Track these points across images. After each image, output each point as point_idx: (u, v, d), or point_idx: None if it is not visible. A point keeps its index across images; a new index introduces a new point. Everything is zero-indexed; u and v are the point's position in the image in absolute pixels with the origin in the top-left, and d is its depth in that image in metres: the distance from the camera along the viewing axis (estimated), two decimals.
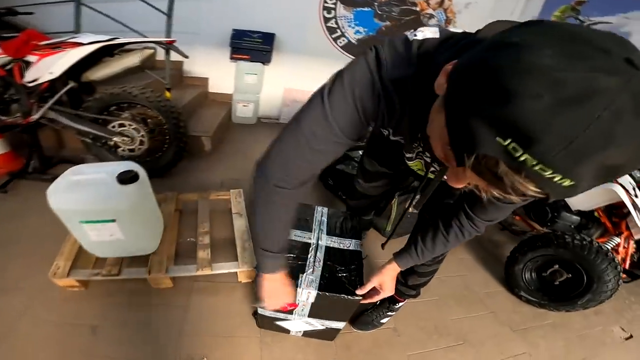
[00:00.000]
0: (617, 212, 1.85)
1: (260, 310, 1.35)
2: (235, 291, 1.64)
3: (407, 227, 2.03)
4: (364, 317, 1.57)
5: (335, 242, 1.38)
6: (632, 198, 1.71)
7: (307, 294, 1.18)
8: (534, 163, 0.34)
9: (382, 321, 1.58)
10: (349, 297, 1.17)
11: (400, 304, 1.55)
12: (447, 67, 0.48)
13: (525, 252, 1.83)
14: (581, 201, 1.90)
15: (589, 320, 1.87)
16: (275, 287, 1.02)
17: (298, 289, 1.16)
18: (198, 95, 3.08)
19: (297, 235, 1.37)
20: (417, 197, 0.95)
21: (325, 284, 1.19)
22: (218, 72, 3.20)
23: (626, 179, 1.77)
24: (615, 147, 0.32)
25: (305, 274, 1.21)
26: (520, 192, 0.38)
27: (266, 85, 3.27)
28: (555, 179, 0.34)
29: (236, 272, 1.60)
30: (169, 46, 2.19)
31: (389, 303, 1.54)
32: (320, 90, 0.68)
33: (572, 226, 1.99)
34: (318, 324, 1.37)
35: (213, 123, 2.88)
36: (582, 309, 1.74)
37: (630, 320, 1.92)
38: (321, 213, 1.51)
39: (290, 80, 3.36)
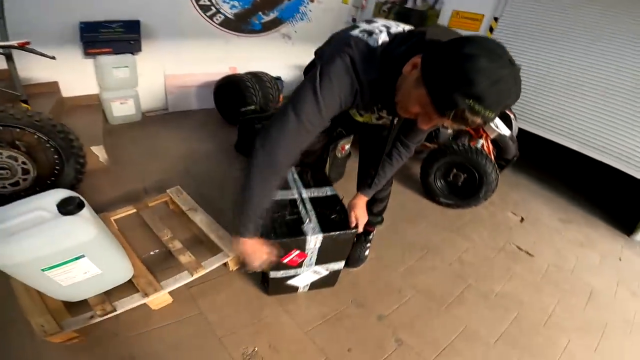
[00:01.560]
0: None
1: (272, 274, 1.41)
2: (234, 280, 1.61)
3: (339, 172, 2.30)
4: (352, 256, 1.76)
5: (315, 192, 1.52)
6: None
7: (315, 240, 1.31)
8: (482, 109, 0.67)
9: (366, 253, 1.82)
10: (348, 231, 1.36)
11: (372, 233, 1.81)
12: (415, 59, 0.79)
13: (431, 165, 2.38)
14: None
15: (489, 211, 2.49)
16: (254, 246, 1.10)
17: (307, 237, 1.29)
18: (56, 103, 2.52)
19: (282, 195, 1.46)
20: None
21: (325, 228, 1.33)
22: (71, 73, 2.66)
23: None
24: (509, 98, 0.70)
25: (305, 224, 1.33)
26: (473, 123, 0.70)
27: (143, 77, 2.90)
28: (489, 114, 0.68)
29: (226, 262, 1.57)
30: (24, 48, 1.82)
31: (364, 236, 1.79)
32: (313, 88, 0.88)
33: (450, 137, 2.63)
34: (323, 270, 1.50)
35: (96, 130, 2.44)
36: (484, 200, 2.33)
37: (514, 204, 2.62)
38: (292, 173, 1.61)
39: (171, 67, 3.06)
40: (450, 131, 2.60)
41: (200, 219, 1.70)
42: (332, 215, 1.40)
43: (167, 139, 2.76)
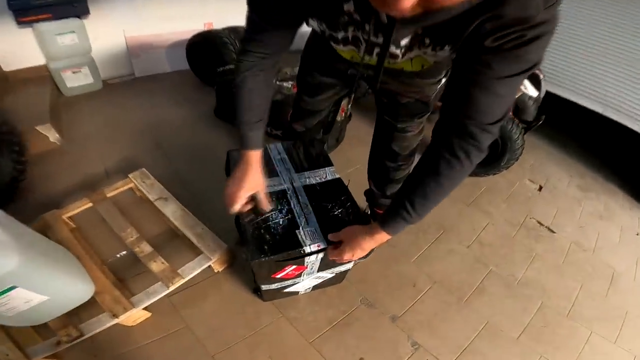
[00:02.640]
0: None
1: (264, 287, 1.16)
2: (222, 283, 1.37)
3: (335, 137, 1.99)
4: None
5: (310, 178, 1.17)
6: None
7: (317, 248, 0.98)
8: None
9: None
10: None
11: None
12: None
13: None
14: None
15: (506, 179, 2.22)
16: (248, 169, 0.93)
17: (304, 248, 0.96)
18: None
19: (269, 187, 1.10)
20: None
21: (327, 229, 1.00)
22: (8, 45, 2.20)
23: None
24: None
25: (300, 229, 1.01)
26: None
27: (97, 42, 2.43)
28: None
29: (210, 265, 1.29)
30: None
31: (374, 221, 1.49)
32: None
33: None
34: (328, 274, 1.25)
35: (42, 106, 2.02)
36: (504, 169, 2.07)
37: (531, 170, 2.37)
38: (277, 151, 1.25)
39: (132, 28, 2.56)
40: None
41: (172, 211, 1.38)
42: (336, 209, 1.07)
43: (134, 108, 2.32)
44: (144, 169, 1.53)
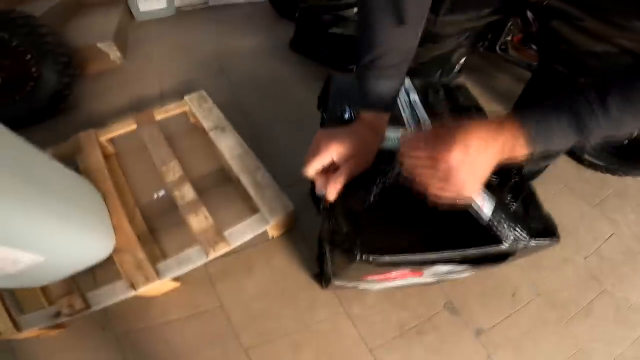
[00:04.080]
0: None
1: (337, 282, 0.82)
2: (274, 255, 1.08)
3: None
4: None
5: None
6: None
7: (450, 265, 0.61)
8: None
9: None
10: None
11: None
12: None
13: None
14: None
15: (638, 183, 1.67)
16: (365, 131, 0.60)
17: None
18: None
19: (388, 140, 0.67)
20: None
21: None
22: None
23: None
24: None
25: None
26: None
27: None
28: None
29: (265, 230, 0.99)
30: None
31: None
32: None
33: None
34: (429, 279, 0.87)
35: (108, 26, 1.88)
36: None
37: None
38: (404, 90, 0.81)
39: None
40: None
41: (230, 147, 1.07)
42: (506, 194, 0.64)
43: (203, 35, 2.12)
44: (202, 92, 1.25)
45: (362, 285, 0.88)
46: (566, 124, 0.39)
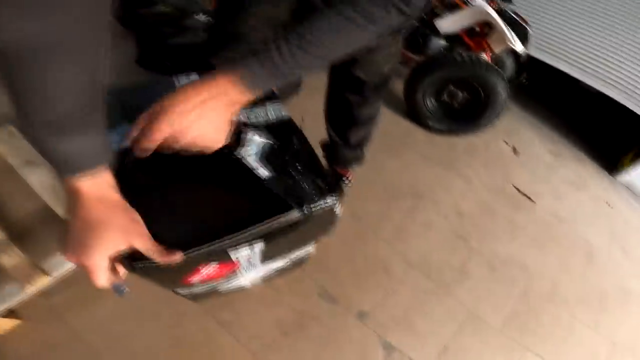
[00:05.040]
0: (476, 32, 1.92)
1: (180, 291, 0.75)
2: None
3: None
4: None
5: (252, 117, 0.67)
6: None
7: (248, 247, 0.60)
8: None
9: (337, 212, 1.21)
10: (324, 202, 0.62)
11: (348, 179, 1.26)
12: None
13: (420, 80, 1.79)
14: (449, 25, 1.89)
15: (482, 140, 1.98)
16: (100, 219, 0.41)
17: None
18: None
19: None
20: None
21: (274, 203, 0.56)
22: None
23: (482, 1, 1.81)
24: None
25: None
26: None
27: None
28: None
29: None
30: None
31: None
32: None
33: (442, 49, 2.01)
34: (281, 263, 0.87)
35: None
36: (485, 126, 1.82)
37: (505, 132, 2.14)
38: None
39: None
40: (442, 42, 1.98)
41: (40, 181, 0.94)
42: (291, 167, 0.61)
43: None
44: (11, 127, 1.06)
45: (221, 287, 0.84)
46: (264, 69, 0.47)
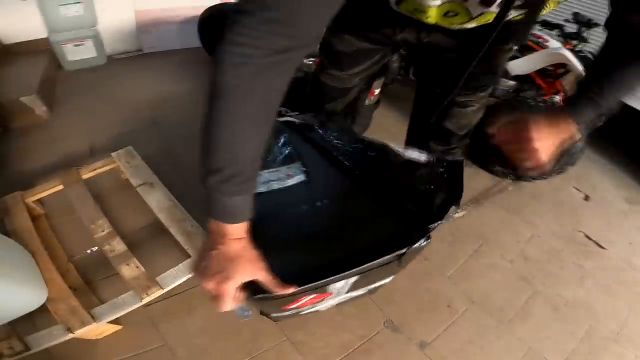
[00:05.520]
0: (549, 73, 1.87)
1: (273, 315, 0.86)
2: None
3: (363, 124, 1.71)
4: None
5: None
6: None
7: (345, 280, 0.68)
8: None
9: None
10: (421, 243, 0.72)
11: None
12: None
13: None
14: (522, 66, 1.86)
15: (551, 185, 1.94)
16: (242, 254, 0.52)
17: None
18: None
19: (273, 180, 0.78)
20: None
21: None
22: (8, 17, 2.02)
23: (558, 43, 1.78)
24: None
25: None
26: None
27: (105, 14, 2.22)
28: None
29: None
30: None
31: None
32: None
33: (510, 90, 1.96)
34: (361, 292, 0.95)
35: (33, 78, 1.80)
36: (556, 174, 1.79)
37: (576, 178, 2.06)
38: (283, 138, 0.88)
39: (144, 0, 2.35)
40: (512, 82, 1.94)
41: (158, 200, 1.11)
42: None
43: (135, 84, 2.08)
44: (130, 147, 1.27)
45: (304, 312, 0.94)
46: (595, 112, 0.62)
